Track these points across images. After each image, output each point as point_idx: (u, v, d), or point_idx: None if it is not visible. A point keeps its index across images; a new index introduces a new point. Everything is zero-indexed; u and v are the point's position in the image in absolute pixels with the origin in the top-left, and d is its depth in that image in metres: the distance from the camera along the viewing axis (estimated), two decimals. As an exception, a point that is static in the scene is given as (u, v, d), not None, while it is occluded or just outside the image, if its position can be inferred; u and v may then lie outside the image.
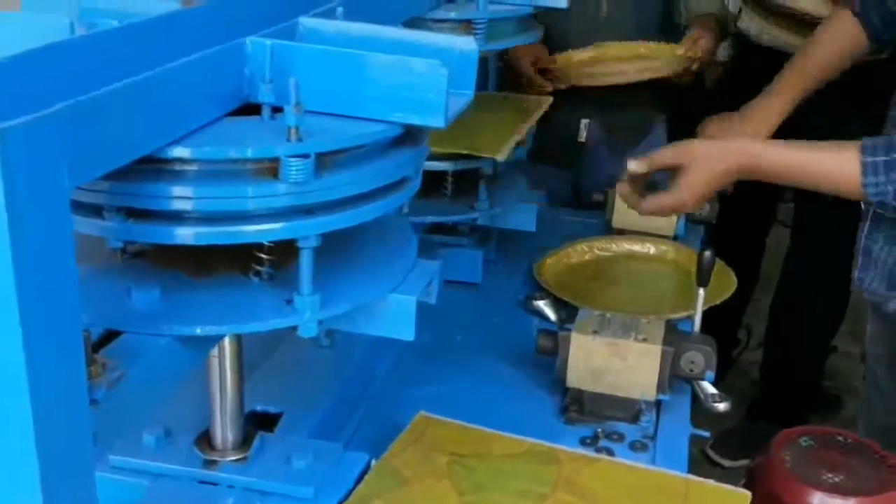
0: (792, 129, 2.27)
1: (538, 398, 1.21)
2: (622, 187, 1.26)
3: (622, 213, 1.69)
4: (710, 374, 1.14)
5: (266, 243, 0.77)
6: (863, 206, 1.44)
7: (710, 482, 0.94)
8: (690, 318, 1.21)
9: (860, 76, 2.00)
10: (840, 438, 1.38)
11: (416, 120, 0.74)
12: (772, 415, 2.52)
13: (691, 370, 1.14)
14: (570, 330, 1.16)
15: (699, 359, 1.13)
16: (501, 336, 1.37)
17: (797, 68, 1.62)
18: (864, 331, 1.70)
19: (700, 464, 2.44)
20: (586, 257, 1.63)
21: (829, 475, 1.29)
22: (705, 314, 1.22)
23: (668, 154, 1.22)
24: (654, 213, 1.27)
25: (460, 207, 1.47)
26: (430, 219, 1.44)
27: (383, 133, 0.74)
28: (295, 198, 0.69)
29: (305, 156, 0.68)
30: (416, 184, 0.84)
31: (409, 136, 0.80)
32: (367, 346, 1.21)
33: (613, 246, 1.65)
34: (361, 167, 0.74)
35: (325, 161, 0.71)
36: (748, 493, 0.92)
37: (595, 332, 1.15)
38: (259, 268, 0.78)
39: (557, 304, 1.44)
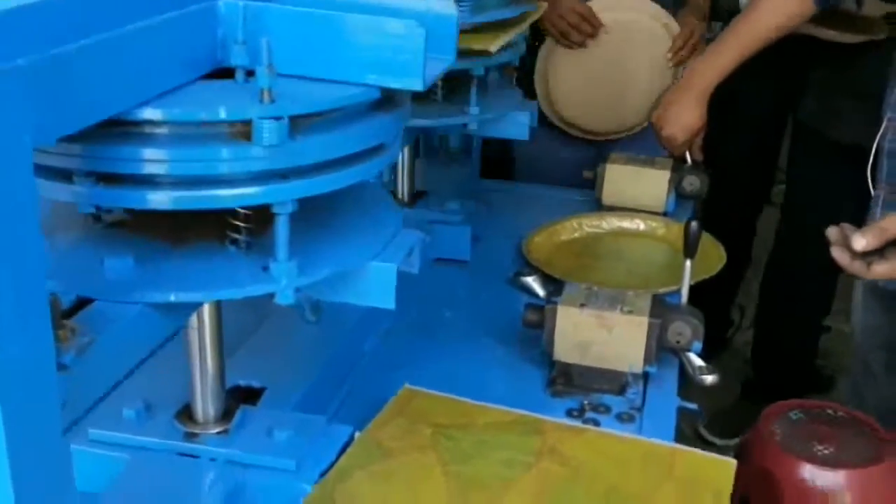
0: (783, 110, 2.28)
1: (525, 372, 1.20)
2: (842, 257, 1.08)
3: (612, 190, 1.68)
4: (698, 345, 1.14)
5: (242, 211, 0.76)
6: (873, 191, 1.44)
7: (696, 451, 0.93)
8: (679, 293, 1.20)
9: (853, 57, 1.99)
10: (830, 412, 1.37)
11: (392, 83, 0.73)
12: (765, 394, 2.51)
13: (678, 342, 1.13)
14: (556, 303, 1.15)
15: (686, 330, 1.12)
16: (490, 312, 1.36)
17: (741, 31, 1.60)
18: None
19: (693, 443, 2.44)
20: (576, 234, 1.62)
21: (820, 448, 1.29)
22: (697, 294, 1.20)
23: None
24: (885, 278, 1.10)
25: (451, 113, 1.43)
26: (420, 122, 1.38)
27: (358, 96, 0.73)
28: (269, 161, 0.68)
29: (278, 118, 0.67)
30: (396, 151, 0.83)
31: (388, 100, 0.78)
32: (353, 321, 1.20)
33: (603, 223, 1.65)
34: (337, 131, 0.73)
35: (299, 124, 0.70)
36: (734, 461, 0.91)
37: (582, 305, 1.14)
38: (236, 236, 0.77)
39: (546, 280, 1.44)
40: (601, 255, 1.58)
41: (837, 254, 1.08)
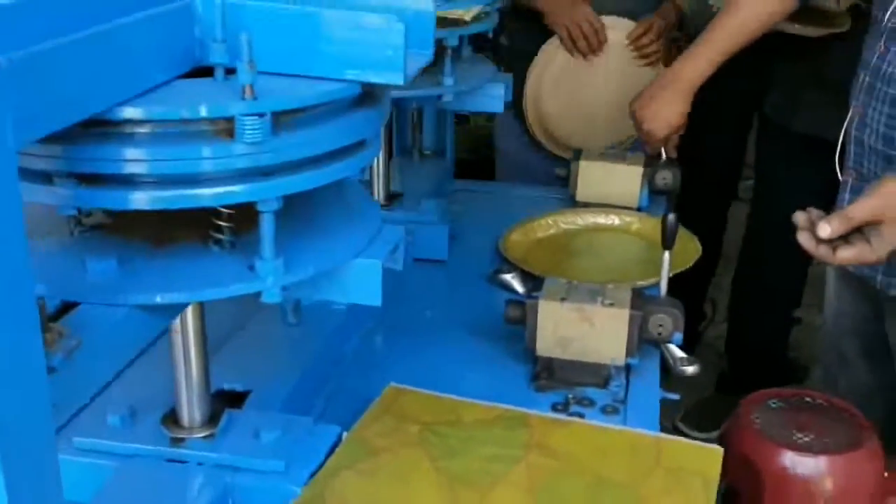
0: (749, 105, 2.31)
1: (509, 368, 1.20)
2: (808, 242, 1.10)
3: (586, 187, 1.69)
4: (679, 336, 1.14)
5: (225, 210, 0.75)
6: (841, 175, 1.46)
7: (683, 439, 0.94)
8: (656, 286, 1.21)
9: (817, 50, 2.03)
10: (808, 399, 1.39)
11: (373, 78, 0.73)
12: (740, 387, 2.54)
13: (659, 333, 1.14)
14: (537, 298, 1.15)
15: (667, 321, 1.13)
16: (470, 310, 1.36)
17: (723, 29, 1.61)
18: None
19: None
20: (551, 231, 1.63)
21: (800, 435, 1.30)
22: (670, 289, 1.21)
23: (866, 209, 1.08)
24: (849, 263, 1.14)
25: (425, 85, 1.41)
26: (394, 94, 1.36)
27: (341, 92, 0.73)
28: (252, 159, 0.68)
29: (261, 114, 0.66)
30: (378, 146, 0.83)
31: (369, 96, 0.78)
32: (335, 322, 1.19)
33: (578, 219, 1.65)
34: (320, 128, 0.73)
35: (281, 121, 0.69)
36: (720, 449, 0.92)
37: (563, 299, 1.15)
38: (219, 235, 0.76)
39: (525, 276, 1.44)
40: (577, 251, 1.59)
41: (804, 239, 1.11)
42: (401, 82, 0.73)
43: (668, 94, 1.63)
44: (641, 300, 1.15)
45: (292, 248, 0.77)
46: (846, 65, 1.67)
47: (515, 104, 2.04)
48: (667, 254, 1.17)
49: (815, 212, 1.12)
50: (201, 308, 0.86)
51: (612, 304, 1.13)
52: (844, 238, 1.09)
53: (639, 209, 1.68)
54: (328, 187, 0.77)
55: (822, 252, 1.10)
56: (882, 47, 1.32)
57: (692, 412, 2.53)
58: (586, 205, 1.69)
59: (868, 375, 1.51)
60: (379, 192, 1.54)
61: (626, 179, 1.67)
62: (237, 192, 0.69)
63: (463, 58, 1.51)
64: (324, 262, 0.78)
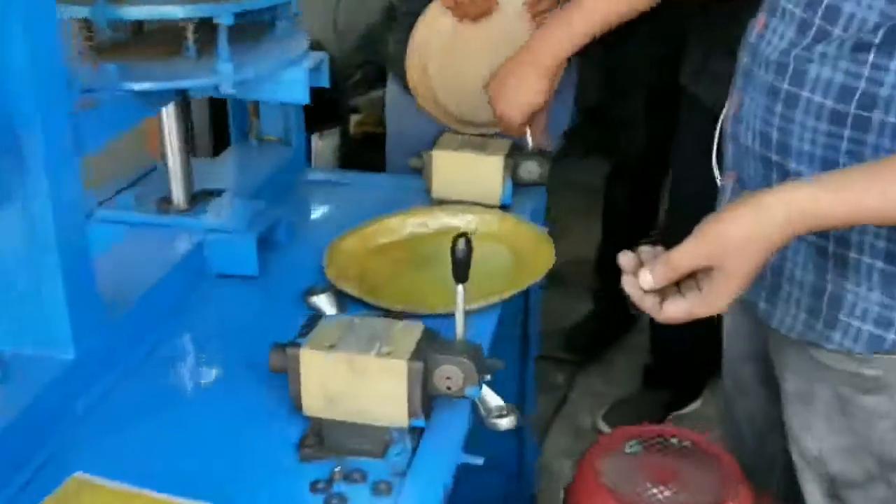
0: (665, 70, 2.06)
1: (278, 429, 0.97)
2: (633, 290, 0.90)
3: (442, 182, 1.45)
4: (475, 390, 0.91)
5: None
6: (720, 181, 1.21)
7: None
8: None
9: (728, 16, 1.77)
10: (674, 441, 1.17)
11: None
12: (666, 380, 2.34)
13: (448, 388, 0.90)
14: (300, 344, 0.92)
15: (456, 373, 0.90)
16: (263, 346, 1.11)
17: None
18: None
19: (585, 436, 2.25)
20: (396, 236, 1.39)
21: (654, 490, 1.09)
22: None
23: (690, 256, 0.86)
24: (676, 321, 0.90)
25: (200, 72, 1.12)
26: (152, 86, 1.08)
27: None
28: None
29: None
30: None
31: None
32: (54, 375, 0.95)
33: (430, 220, 1.41)
34: None
35: None
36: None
37: (331, 347, 0.91)
38: None
39: (342, 298, 1.20)
40: (424, 260, 1.35)
41: (629, 286, 0.88)
42: None
43: (525, 70, 1.38)
44: (431, 345, 0.92)
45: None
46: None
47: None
48: (460, 288, 0.93)
49: (646, 251, 0.89)
50: None
51: (388, 353, 0.90)
52: (678, 284, 0.87)
53: (502, 207, 1.43)
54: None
55: (647, 304, 0.88)
56: (761, 22, 1.07)
57: (614, 410, 2.32)
58: (443, 201, 1.44)
59: (768, 405, 1.27)
60: (178, 193, 1.29)
61: (485, 172, 1.42)
62: None
63: (273, 37, 1.24)
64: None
